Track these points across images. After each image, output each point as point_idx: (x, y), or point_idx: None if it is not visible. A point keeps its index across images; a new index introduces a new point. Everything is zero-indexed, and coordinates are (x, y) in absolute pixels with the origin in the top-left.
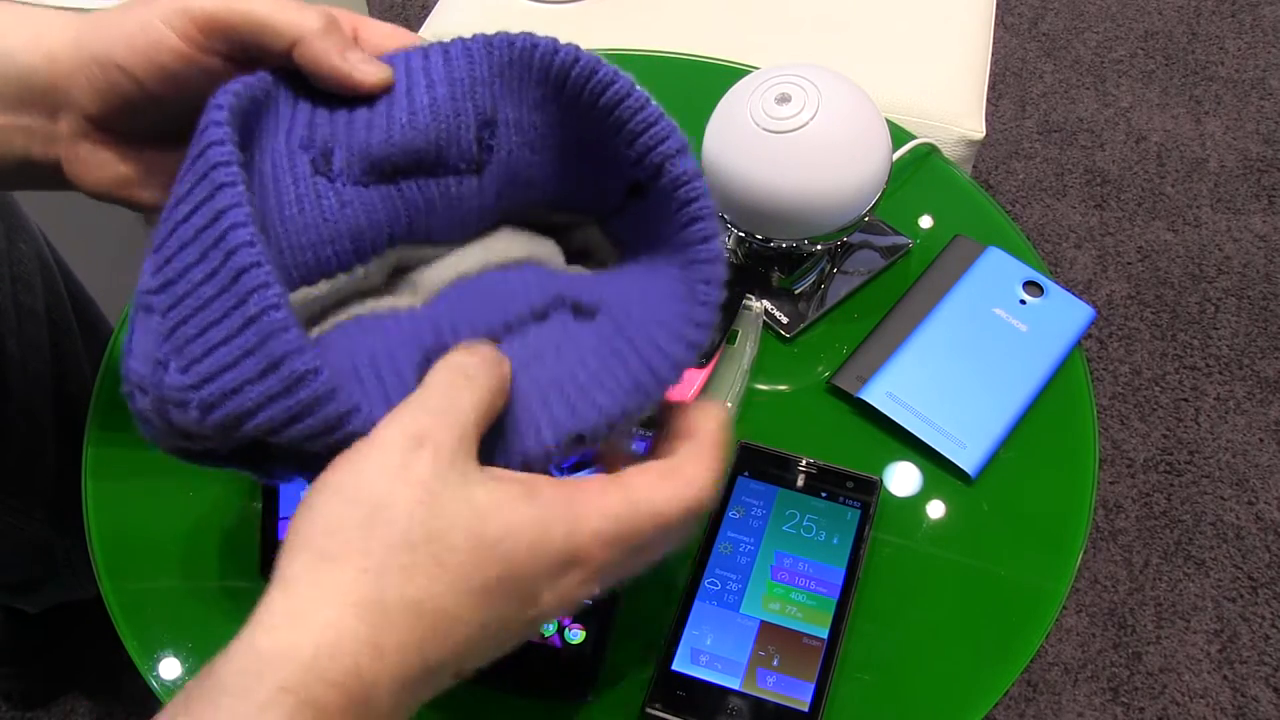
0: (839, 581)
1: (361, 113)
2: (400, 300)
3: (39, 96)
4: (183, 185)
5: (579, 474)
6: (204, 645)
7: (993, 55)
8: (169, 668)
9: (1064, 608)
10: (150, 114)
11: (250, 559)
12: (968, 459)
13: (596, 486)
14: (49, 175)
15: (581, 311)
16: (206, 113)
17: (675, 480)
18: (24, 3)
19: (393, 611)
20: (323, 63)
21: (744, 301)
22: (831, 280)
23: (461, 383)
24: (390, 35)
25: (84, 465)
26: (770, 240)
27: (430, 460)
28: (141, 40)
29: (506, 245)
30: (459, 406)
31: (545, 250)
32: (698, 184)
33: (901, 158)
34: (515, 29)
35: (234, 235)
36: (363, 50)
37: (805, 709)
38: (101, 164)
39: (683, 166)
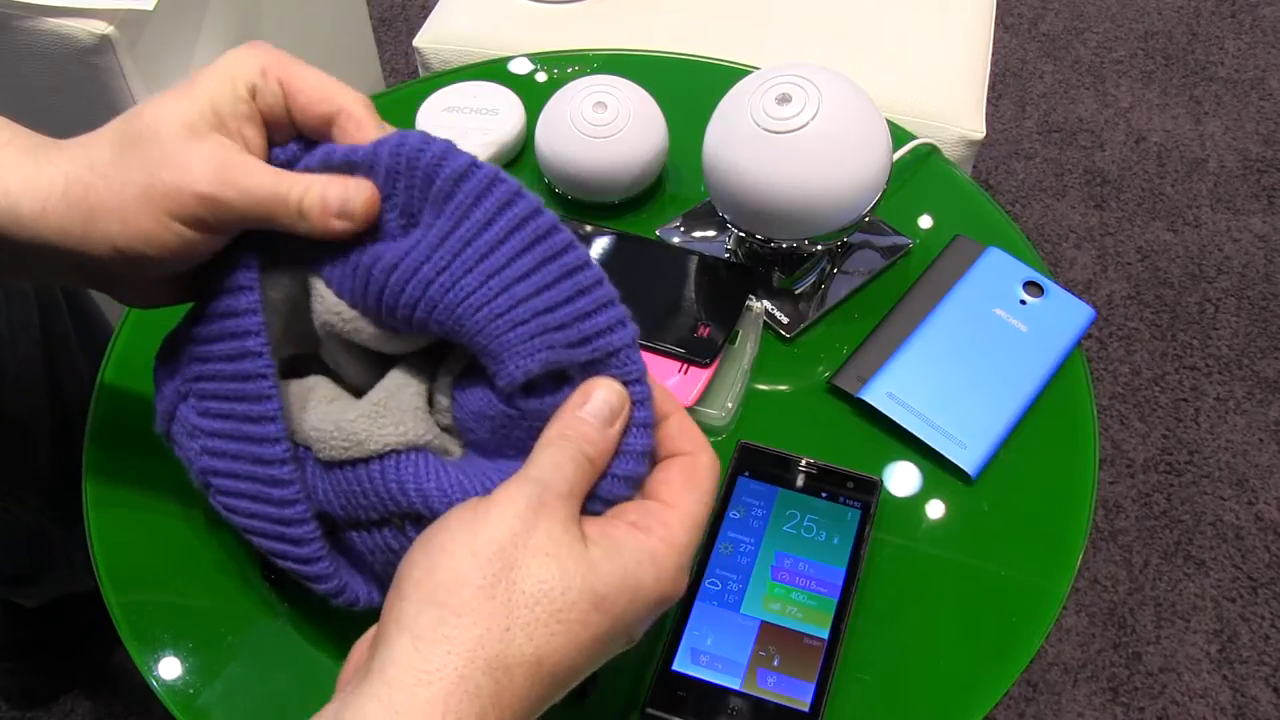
0: (839, 581)
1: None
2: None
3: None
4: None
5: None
6: (204, 644)
7: (993, 55)
8: (169, 667)
9: (1064, 608)
10: (168, 266)
11: (251, 557)
12: (968, 459)
13: (659, 524)
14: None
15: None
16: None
17: (697, 482)
18: None
19: (515, 668)
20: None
21: (745, 302)
22: (832, 280)
23: (567, 449)
24: (320, 97)
25: (84, 464)
26: (770, 240)
27: (546, 525)
28: (158, 235)
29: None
30: (565, 474)
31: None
32: (642, 388)
33: (901, 158)
34: (515, 29)
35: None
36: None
37: (805, 709)
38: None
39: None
